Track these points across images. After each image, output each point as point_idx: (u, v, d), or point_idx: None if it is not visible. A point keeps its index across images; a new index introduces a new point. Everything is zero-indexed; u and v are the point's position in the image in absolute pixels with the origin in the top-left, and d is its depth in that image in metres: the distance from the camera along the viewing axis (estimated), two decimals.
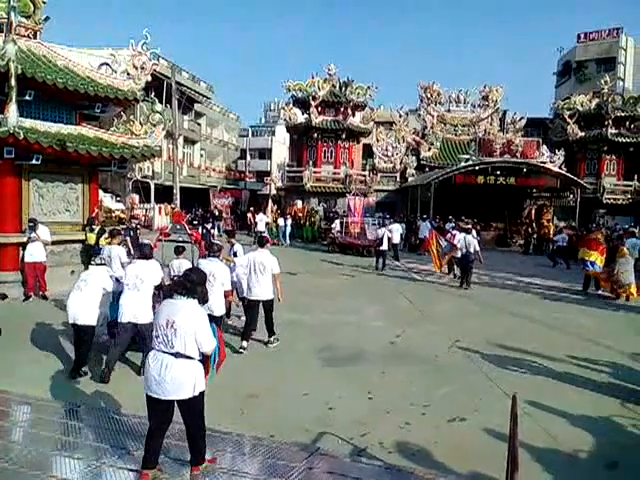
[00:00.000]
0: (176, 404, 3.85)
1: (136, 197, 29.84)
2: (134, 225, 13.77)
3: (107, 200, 23.58)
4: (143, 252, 6.78)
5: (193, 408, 3.84)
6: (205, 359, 4.05)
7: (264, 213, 28.06)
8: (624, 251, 13.04)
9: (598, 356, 7.98)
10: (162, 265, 7.25)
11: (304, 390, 6.17)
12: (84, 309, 6.36)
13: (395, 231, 19.66)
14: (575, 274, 16.97)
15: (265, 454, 4.62)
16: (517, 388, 5.66)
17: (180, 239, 8.28)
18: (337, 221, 23.94)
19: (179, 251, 8.28)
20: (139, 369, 6.40)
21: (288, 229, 25.82)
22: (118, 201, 26.08)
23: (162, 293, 6.49)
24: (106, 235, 11.99)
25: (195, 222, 30.31)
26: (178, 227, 8.84)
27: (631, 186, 31.60)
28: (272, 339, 8.02)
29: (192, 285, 3.84)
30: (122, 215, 22.01)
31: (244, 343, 7.68)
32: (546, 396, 6.14)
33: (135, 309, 6.34)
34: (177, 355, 3.72)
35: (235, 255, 8.80)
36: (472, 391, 6.36)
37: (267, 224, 26.31)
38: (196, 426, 3.91)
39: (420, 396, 6.11)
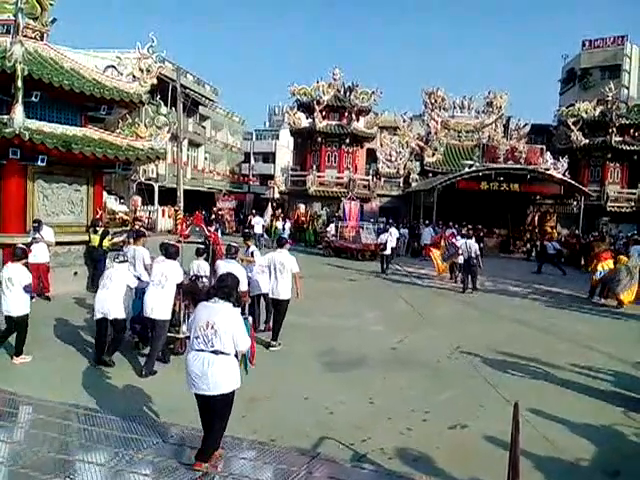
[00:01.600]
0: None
1: (139, 199, 29.92)
2: (137, 227, 13.81)
3: (111, 202, 23.64)
4: (169, 252, 7.06)
5: (226, 402, 4.13)
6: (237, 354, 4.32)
7: (262, 216, 28.05)
8: (623, 260, 13.03)
9: (599, 363, 7.96)
10: (181, 265, 7.46)
11: (305, 394, 6.16)
12: (113, 304, 6.79)
13: (392, 235, 19.49)
14: (575, 281, 16.95)
15: (265, 458, 4.62)
16: (518, 394, 5.67)
17: (199, 241, 8.44)
18: (332, 225, 23.99)
19: (200, 252, 8.50)
20: (140, 371, 6.61)
21: (286, 232, 25.79)
22: (122, 203, 26.14)
23: (182, 291, 7.18)
24: (109, 237, 12.05)
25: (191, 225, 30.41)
26: (197, 229, 9.01)
27: (635, 194, 31.55)
28: (275, 343, 8.11)
29: (229, 290, 4.19)
30: (125, 217, 22.05)
31: (275, 342, 8.10)
32: (547, 403, 6.12)
33: (155, 303, 6.68)
34: (217, 352, 4.02)
35: (252, 256, 8.96)
36: (473, 397, 6.35)
37: (264, 227, 26.30)
38: (223, 418, 4.19)
39: (421, 402, 6.10)
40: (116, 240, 12.59)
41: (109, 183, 25.86)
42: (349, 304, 11.88)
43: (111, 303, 6.80)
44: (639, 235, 21.27)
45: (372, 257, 21.28)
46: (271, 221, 27.98)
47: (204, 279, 7.93)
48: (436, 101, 34.03)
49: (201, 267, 8.10)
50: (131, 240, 12.99)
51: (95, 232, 11.90)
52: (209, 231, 9.99)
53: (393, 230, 20.15)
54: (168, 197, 32.28)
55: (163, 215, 30.35)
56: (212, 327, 4.01)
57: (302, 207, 29.98)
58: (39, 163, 10.47)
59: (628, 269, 12.65)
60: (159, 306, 6.70)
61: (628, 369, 7.80)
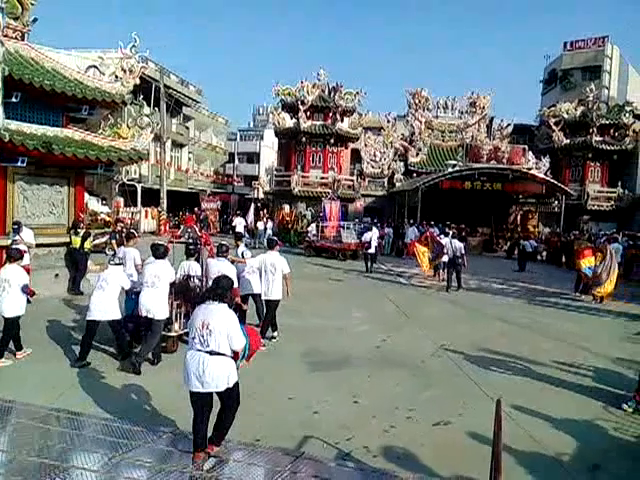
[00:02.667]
0: (215, 394, 4.33)
1: (121, 200, 29.63)
2: (119, 228, 13.69)
3: (93, 203, 23.39)
4: (158, 252, 7.19)
5: (230, 396, 4.35)
6: (235, 353, 4.39)
7: (244, 217, 27.98)
8: (599, 256, 13.28)
9: (581, 360, 8.09)
10: (172, 264, 7.62)
11: (290, 394, 6.16)
12: (109, 306, 6.96)
13: (373, 235, 19.64)
14: (557, 279, 17.18)
15: (249, 459, 4.61)
16: (501, 392, 5.73)
17: (190, 241, 8.54)
18: (313, 225, 24.07)
19: (190, 253, 8.39)
20: (133, 365, 6.71)
21: (268, 232, 25.72)
22: (104, 204, 25.87)
23: (174, 290, 7.39)
24: (91, 239, 11.91)
25: (182, 226, 30.23)
26: (189, 230, 9.11)
27: (615, 192, 32.05)
28: (274, 333, 8.53)
29: (223, 291, 4.34)
30: (108, 218, 21.82)
31: (275, 333, 8.52)
32: (530, 399, 6.20)
33: (151, 305, 6.85)
34: (212, 353, 4.17)
35: (243, 256, 9.02)
36: (457, 395, 6.40)
37: (245, 227, 26.22)
38: (231, 409, 4.41)
39: (405, 400, 6.14)
40: (98, 242, 12.47)
41: (91, 184, 25.56)
42: (334, 304, 11.89)
43: (107, 305, 6.95)
44: (618, 233, 21.64)
45: (353, 256, 21.58)
46: (255, 222, 27.89)
47: (195, 279, 7.99)
48: (420, 101, 34.25)
49: (192, 267, 8.12)
50: (113, 242, 12.92)
51: (76, 234, 11.76)
52: (200, 232, 10.05)
53: (374, 229, 20.29)
54: (151, 198, 32.02)
55: (146, 216, 30.07)
56: (207, 327, 4.17)
57: (287, 207, 29.94)
58: (19, 164, 10.29)
59: (605, 266, 12.93)
60: (156, 306, 6.87)
61: (608, 365, 7.94)
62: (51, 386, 6.14)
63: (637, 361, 6.68)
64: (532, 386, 6.86)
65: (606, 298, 13.25)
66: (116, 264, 7.32)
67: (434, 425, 5.50)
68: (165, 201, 29.96)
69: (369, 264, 17.91)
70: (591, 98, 32.88)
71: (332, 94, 30.75)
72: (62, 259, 11.96)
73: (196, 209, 33.74)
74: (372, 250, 17.98)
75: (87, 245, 11.87)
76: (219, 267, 7.68)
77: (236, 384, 4.38)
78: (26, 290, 7.01)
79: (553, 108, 34.27)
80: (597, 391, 6.72)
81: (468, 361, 7.83)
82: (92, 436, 4.90)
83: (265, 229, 25.82)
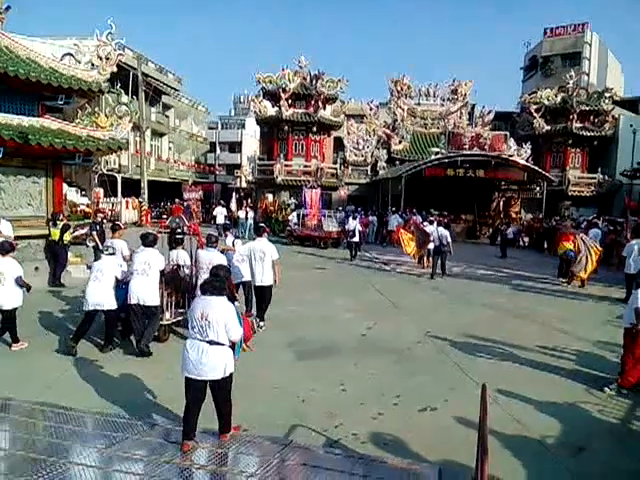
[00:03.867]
0: (208, 384, 4.45)
1: (101, 191, 29.20)
2: (99, 220, 13.46)
3: (72, 194, 23.02)
4: (147, 240, 7.35)
5: (224, 387, 4.49)
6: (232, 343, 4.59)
7: (226, 207, 27.83)
8: (578, 241, 13.59)
9: (564, 344, 8.20)
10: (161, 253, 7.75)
11: (276, 383, 6.14)
12: (105, 296, 7.07)
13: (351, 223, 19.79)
14: (539, 264, 17.39)
15: (238, 448, 4.59)
16: (487, 377, 5.78)
17: (179, 231, 8.60)
18: (294, 213, 24.04)
19: (178, 242, 8.54)
20: (135, 352, 7.02)
21: (249, 222, 25.61)
22: (83, 195, 25.48)
23: (164, 279, 7.51)
24: (70, 231, 11.70)
25: (164, 216, 29.91)
26: (177, 220, 9.17)
27: (595, 178, 32.43)
28: (262, 323, 8.53)
29: (221, 284, 4.50)
30: (87, 209, 21.50)
31: (262, 323, 8.55)
32: (515, 384, 6.27)
33: (143, 292, 7.03)
34: (211, 342, 4.33)
35: (233, 244, 9.09)
36: (443, 381, 6.44)
37: (226, 217, 26.07)
38: (225, 401, 4.56)
39: (392, 387, 6.16)
40: (78, 233, 12.25)
41: (69, 175, 25.10)
42: (319, 292, 11.87)
43: (104, 295, 7.06)
44: (598, 218, 21.94)
45: (335, 244, 21.74)
46: (237, 211, 27.79)
47: (185, 268, 8.19)
48: (402, 89, 34.15)
49: (180, 256, 8.27)
50: (94, 233, 12.70)
51: (55, 226, 11.54)
52: (189, 222, 10.08)
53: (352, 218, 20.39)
54: (132, 188, 31.60)
55: (127, 207, 29.70)
56: (206, 319, 4.32)
57: (270, 196, 29.80)
58: None
59: (583, 252, 13.24)
60: (147, 293, 7.05)
61: (591, 348, 8.06)
62: (37, 379, 6.05)
63: (618, 344, 6.76)
64: (516, 370, 6.93)
65: (587, 281, 13.49)
66: (109, 254, 7.41)
67: (421, 411, 5.53)
68: (146, 191, 29.55)
69: (353, 252, 18.05)
70: (571, 85, 33.11)
71: (314, 82, 30.51)
72: (42, 252, 11.75)
73: (179, 199, 33.39)
74: (356, 238, 18.12)
75: (67, 237, 11.67)
76: (210, 257, 7.76)
77: (231, 375, 4.50)
78: (20, 282, 7.07)
79: (534, 95, 34.44)
80: (580, 374, 6.82)
81: (453, 347, 7.88)
82: (79, 430, 4.84)
83: (246, 218, 25.73)
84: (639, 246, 11.37)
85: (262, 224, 11.00)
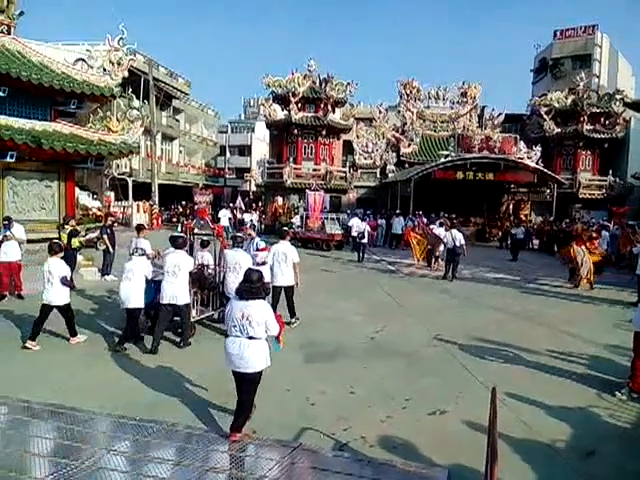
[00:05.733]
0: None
1: (112, 195, 29.43)
2: (110, 223, 13.54)
3: (84, 198, 23.24)
4: (177, 243, 7.76)
5: (254, 380, 4.85)
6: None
7: (229, 209, 28.01)
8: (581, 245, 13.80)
9: (574, 347, 8.14)
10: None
11: (286, 386, 6.16)
12: (134, 294, 7.46)
13: (355, 225, 20.12)
14: (550, 267, 17.27)
15: (247, 451, 4.62)
16: (495, 380, 5.77)
17: (204, 233, 9.24)
18: (297, 216, 24.20)
19: (204, 244, 9.12)
20: (177, 344, 7.66)
21: (253, 224, 25.69)
22: (95, 199, 25.70)
23: (190, 279, 7.85)
24: (79, 237, 11.67)
25: (175, 219, 30.12)
26: (202, 222, 9.56)
27: (606, 181, 32.15)
28: (293, 319, 9.00)
29: (257, 289, 4.81)
30: (99, 213, 21.68)
31: (292, 319, 8.99)
32: (524, 387, 6.24)
33: (174, 292, 7.46)
34: (251, 338, 4.72)
35: (257, 247, 9.39)
36: (452, 383, 6.43)
37: (230, 219, 26.20)
38: (249, 394, 4.88)
39: (401, 390, 6.16)
40: (89, 237, 12.33)
41: (81, 178, 25.37)
42: (327, 295, 11.88)
43: (132, 293, 7.46)
44: (610, 221, 21.77)
45: (338, 247, 21.86)
46: (243, 213, 28.00)
47: (209, 269, 8.79)
48: (411, 92, 34.13)
49: (205, 258, 8.82)
50: (105, 236, 12.80)
51: (64, 230, 11.54)
52: (213, 223, 10.42)
53: (355, 220, 20.59)
54: (143, 192, 31.83)
55: (138, 210, 29.87)
56: (247, 318, 4.71)
57: (279, 199, 29.86)
58: (8, 159, 10.22)
59: (583, 252, 13.51)
60: (178, 293, 7.48)
61: (601, 352, 8.00)
62: (45, 382, 6.12)
63: (629, 348, 6.71)
64: (526, 374, 6.90)
65: (593, 282, 13.64)
66: (140, 255, 7.77)
67: (430, 414, 5.53)
68: (157, 195, 29.79)
69: (361, 254, 18.16)
70: (581, 87, 32.88)
71: (323, 85, 30.57)
72: None
73: (190, 202, 33.59)
74: (365, 240, 18.30)
75: (74, 243, 11.58)
76: (236, 258, 8.15)
77: (261, 372, 4.85)
78: (64, 282, 7.44)
79: (544, 97, 34.24)
80: (590, 378, 6.77)
81: (462, 350, 7.87)
82: (82, 431, 4.89)
83: (251, 220, 25.94)
84: None
85: (285, 228, 11.27)
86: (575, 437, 5.08)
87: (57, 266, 7.44)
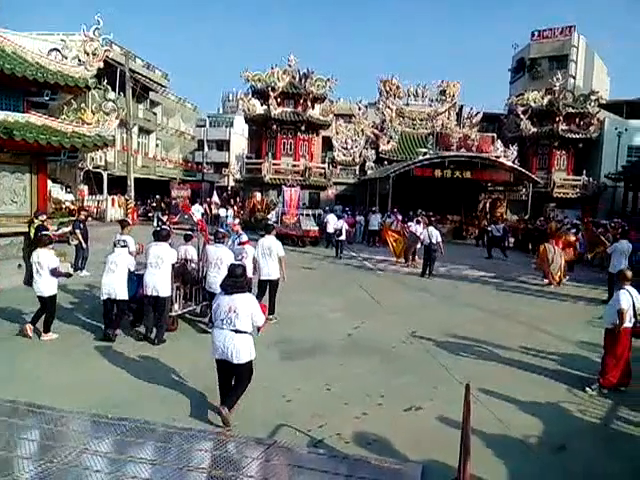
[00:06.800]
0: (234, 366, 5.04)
1: (86, 188, 28.89)
2: (83, 217, 13.26)
3: (56, 191, 22.79)
4: (161, 235, 7.88)
5: (247, 368, 5.12)
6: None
7: (203, 204, 27.91)
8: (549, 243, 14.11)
9: (546, 344, 8.29)
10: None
11: (262, 383, 6.10)
12: (118, 286, 7.54)
13: (330, 221, 20.48)
14: (524, 265, 17.52)
15: (222, 448, 4.58)
16: (471, 376, 5.83)
17: (187, 227, 8.98)
18: (273, 212, 24.17)
19: (187, 238, 9.12)
20: (152, 341, 7.56)
21: (229, 220, 25.64)
22: (68, 192, 25.23)
23: (173, 272, 7.92)
24: (53, 230, 11.33)
25: (150, 214, 29.72)
26: (186, 217, 9.57)
27: (580, 180, 32.74)
28: (271, 317, 8.71)
29: (241, 283, 5.10)
30: (72, 207, 21.27)
31: (271, 316, 8.66)
32: (498, 383, 6.33)
33: (155, 283, 7.51)
34: (237, 331, 4.95)
35: (240, 243, 9.43)
36: (428, 380, 6.48)
37: (203, 215, 26.05)
38: (244, 380, 5.16)
39: (377, 386, 6.18)
40: (61, 232, 12.03)
41: (54, 171, 24.87)
42: (305, 291, 11.83)
43: (117, 285, 7.53)
44: (582, 220, 22.19)
45: (313, 243, 21.94)
46: (219, 208, 27.90)
47: (192, 263, 8.81)
48: (391, 89, 34.22)
49: (188, 251, 8.83)
50: (77, 231, 12.52)
51: (31, 224, 11.19)
52: (199, 219, 10.39)
53: (330, 216, 20.85)
54: (118, 185, 31.32)
55: (113, 204, 29.41)
56: (234, 311, 4.96)
57: (258, 195, 29.71)
58: None
59: (555, 251, 13.81)
60: (160, 285, 7.52)
61: (573, 348, 8.17)
62: (15, 379, 5.98)
63: (599, 344, 6.85)
64: (500, 370, 7.00)
65: (560, 280, 13.96)
66: (122, 246, 7.81)
67: (405, 410, 5.56)
68: (132, 189, 29.32)
69: (339, 250, 18.25)
70: (558, 87, 33.41)
71: (303, 81, 30.47)
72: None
73: (167, 197, 33.19)
74: (343, 237, 18.41)
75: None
76: (218, 253, 8.19)
77: (251, 361, 5.11)
78: (55, 273, 7.55)
79: (521, 97, 34.68)
80: (562, 374, 6.90)
81: (438, 347, 7.94)
82: (51, 430, 4.79)
83: (226, 216, 25.92)
84: (622, 246, 11.62)
85: (271, 223, 11.26)
86: (547, 432, 5.17)
87: (46, 257, 7.52)
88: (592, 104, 32.97)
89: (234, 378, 5.18)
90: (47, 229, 10.96)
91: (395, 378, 6.55)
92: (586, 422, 5.48)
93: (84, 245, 12.65)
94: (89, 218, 14.44)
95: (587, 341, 8.41)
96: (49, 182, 15.20)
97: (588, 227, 16.40)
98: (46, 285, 7.52)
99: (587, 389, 6.30)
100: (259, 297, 8.78)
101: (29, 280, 11.16)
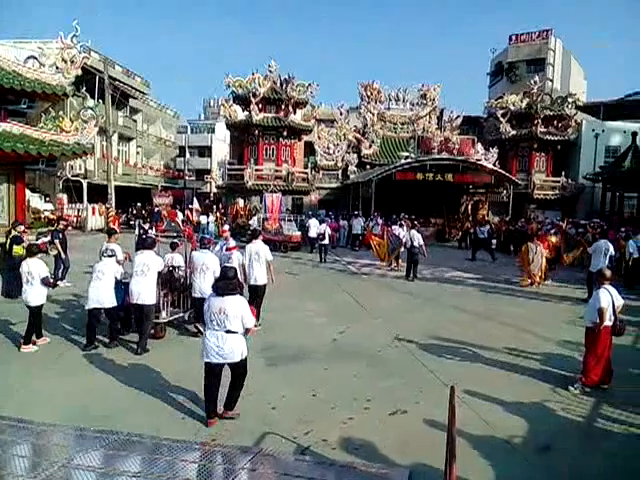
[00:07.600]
0: (229, 367, 5.22)
1: (65, 197, 28.48)
2: (62, 227, 13.02)
3: (35, 200, 22.45)
4: (147, 243, 7.96)
5: (241, 367, 5.26)
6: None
7: (182, 211, 27.76)
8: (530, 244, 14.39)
9: (530, 344, 8.37)
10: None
11: (247, 391, 6.06)
12: (106, 295, 7.57)
13: (312, 226, 20.67)
14: (506, 267, 17.71)
15: (207, 458, 4.53)
16: (456, 378, 5.86)
17: (174, 235, 8.93)
18: (255, 218, 24.21)
19: (173, 246, 9.09)
20: (135, 350, 7.46)
21: (211, 226, 25.56)
22: (47, 201, 24.86)
23: (160, 280, 8.06)
24: (23, 244, 10.77)
25: (132, 222, 29.40)
26: (172, 224, 9.49)
27: (559, 182, 33.21)
28: (256, 323, 8.30)
29: (234, 285, 5.21)
30: (51, 216, 20.97)
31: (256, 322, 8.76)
32: (483, 384, 6.37)
33: (140, 291, 7.53)
34: (228, 332, 5.07)
35: (227, 249, 9.45)
36: (413, 383, 6.49)
37: (184, 221, 25.93)
38: (240, 380, 5.33)
39: (363, 391, 6.18)
40: (40, 242, 11.79)
41: (33, 180, 24.51)
42: (290, 297, 11.79)
43: (104, 294, 7.55)
44: (562, 221, 22.48)
45: (295, 248, 21.95)
46: (199, 215, 27.73)
47: (179, 270, 8.82)
48: (372, 94, 34.42)
49: (175, 259, 8.84)
50: (56, 241, 12.31)
51: (7, 235, 10.85)
52: (184, 226, 10.36)
53: (312, 221, 21.09)
54: (98, 194, 30.88)
55: (93, 213, 29.06)
56: (224, 313, 5.06)
57: (240, 201, 29.59)
58: None
59: (536, 250, 14.00)
60: (145, 292, 7.54)
61: (556, 348, 8.26)
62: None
63: (582, 343, 6.93)
64: (484, 372, 7.04)
65: (541, 280, 14.20)
66: (109, 256, 7.88)
67: (391, 414, 5.56)
68: (113, 197, 28.96)
69: (323, 255, 18.30)
70: (535, 90, 33.90)
71: (284, 86, 30.48)
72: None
73: (138, 205, 32.86)
74: (326, 241, 18.46)
75: (18, 251, 10.46)
76: (203, 259, 8.27)
77: (245, 358, 5.24)
78: (46, 282, 7.59)
79: (500, 100, 35.10)
80: (546, 374, 6.97)
81: (423, 350, 7.96)
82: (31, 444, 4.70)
83: (208, 223, 25.83)
84: (601, 245, 11.83)
85: (257, 228, 11.22)
86: (531, 432, 5.21)
87: (37, 267, 7.55)
88: (569, 106, 33.50)
89: (233, 377, 5.29)
90: (22, 240, 10.64)
91: (381, 382, 6.55)
92: (570, 421, 5.54)
93: (63, 255, 12.44)
94: (68, 227, 14.21)
95: (570, 340, 8.49)
96: (27, 191, 14.97)
97: (561, 231, 16.68)
98: (36, 295, 7.52)
99: (570, 388, 6.36)
100: (249, 300, 8.79)
101: (7, 291, 10.99)
